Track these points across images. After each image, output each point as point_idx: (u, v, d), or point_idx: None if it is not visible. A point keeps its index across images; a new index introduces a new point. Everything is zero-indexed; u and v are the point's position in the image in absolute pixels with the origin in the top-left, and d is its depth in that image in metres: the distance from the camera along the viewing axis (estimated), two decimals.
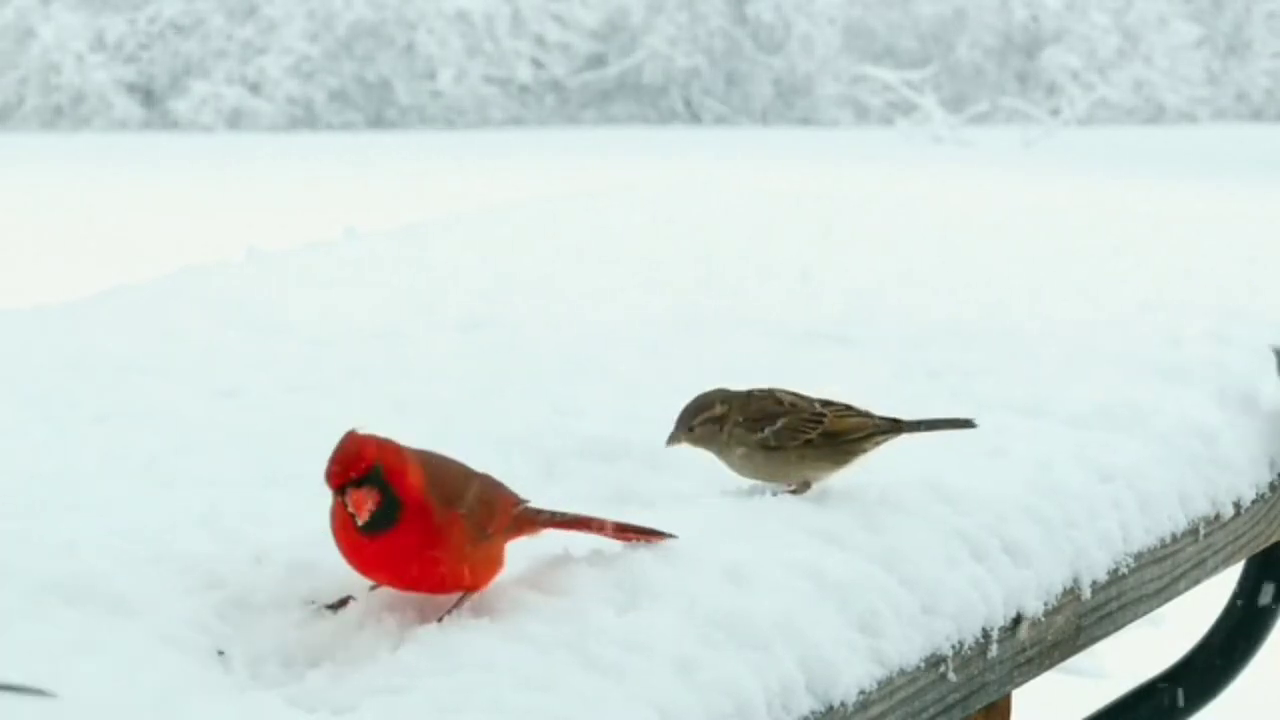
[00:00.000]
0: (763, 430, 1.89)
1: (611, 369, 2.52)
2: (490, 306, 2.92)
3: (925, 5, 30.15)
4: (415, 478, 1.59)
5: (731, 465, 1.93)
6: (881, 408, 1.98)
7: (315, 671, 1.53)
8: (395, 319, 2.84)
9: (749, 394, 1.93)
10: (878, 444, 1.91)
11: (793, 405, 1.91)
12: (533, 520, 1.69)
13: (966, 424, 1.92)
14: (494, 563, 1.64)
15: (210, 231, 13.18)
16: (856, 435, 1.89)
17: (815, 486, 1.92)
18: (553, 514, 1.70)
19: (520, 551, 1.70)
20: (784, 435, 1.89)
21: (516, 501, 1.69)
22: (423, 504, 1.59)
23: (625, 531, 1.73)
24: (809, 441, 1.88)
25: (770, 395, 1.92)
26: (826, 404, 1.92)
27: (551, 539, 1.72)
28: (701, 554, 1.74)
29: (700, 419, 1.92)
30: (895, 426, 1.92)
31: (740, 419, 1.90)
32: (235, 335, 2.70)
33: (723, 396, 1.93)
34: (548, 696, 1.49)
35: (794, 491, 1.91)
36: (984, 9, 30.27)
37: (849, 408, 1.92)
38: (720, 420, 1.92)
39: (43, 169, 20.43)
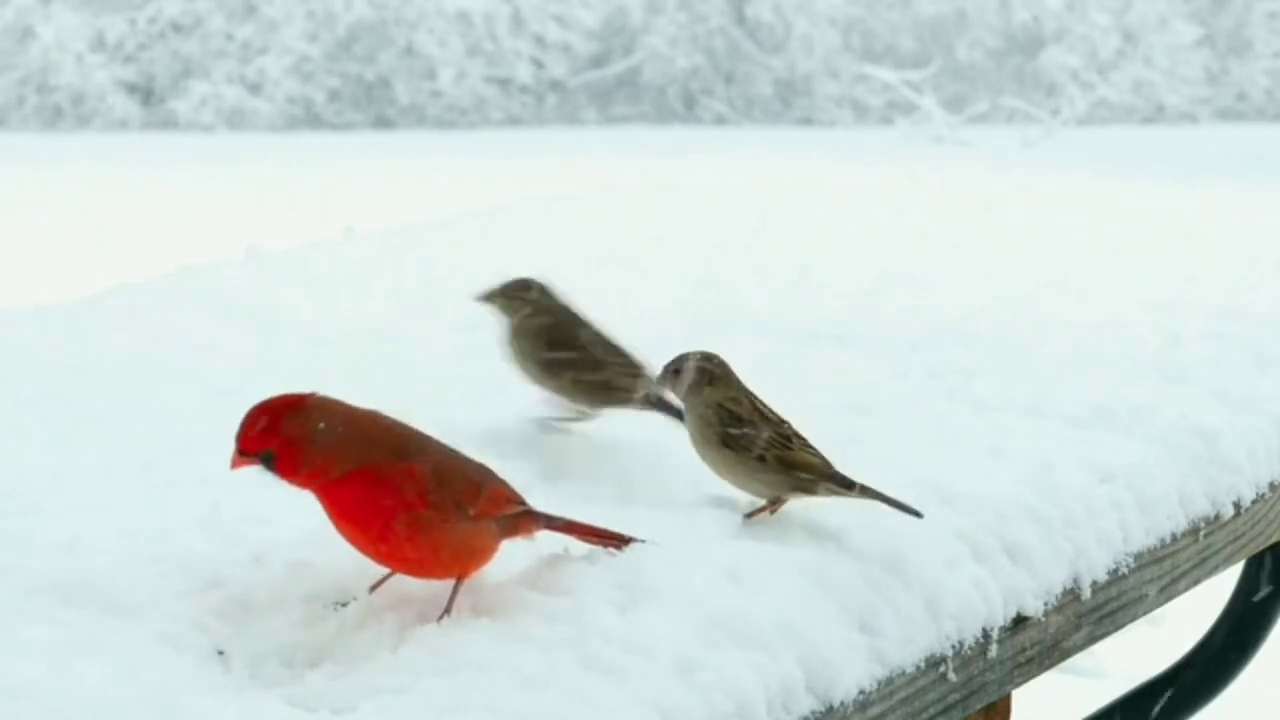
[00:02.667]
0: (728, 427, 1.88)
1: None
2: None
3: (925, 5, 30.15)
4: (303, 460, 1.61)
5: (690, 430, 1.91)
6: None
7: (315, 671, 1.53)
8: (395, 319, 2.84)
9: (751, 398, 1.91)
10: (829, 491, 1.85)
11: (765, 420, 1.89)
12: (534, 522, 1.69)
13: (914, 513, 1.84)
14: (480, 550, 1.64)
15: (210, 231, 13.18)
16: (808, 474, 1.85)
17: (782, 509, 1.88)
18: (549, 517, 1.70)
19: (520, 551, 1.70)
20: (739, 439, 1.87)
21: (515, 499, 1.68)
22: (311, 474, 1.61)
23: (608, 538, 1.73)
24: (761, 458, 1.86)
25: (755, 408, 1.89)
26: (801, 438, 1.88)
27: (551, 538, 1.72)
28: (701, 554, 1.74)
29: (693, 363, 1.90)
30: (848, 486, 1.85)
31: (721, 403, 1.88)
32: (235, 335, 2.70)
33: (722, 368, 1.91)
34: (547, 696, 1.49)
35: (766, 509, 1.88)
36: (984, 9, 30.26)
37: (814, 452, 1.87)
38: (708, 379, 1.90)
39: (43, 169, 20.42)
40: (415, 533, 1.60)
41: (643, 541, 1.73)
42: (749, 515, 1.87)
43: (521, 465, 2.00)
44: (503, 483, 1.68)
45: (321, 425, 1.61)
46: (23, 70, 27.66)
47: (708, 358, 1.92)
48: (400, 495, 1.59)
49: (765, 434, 1.87)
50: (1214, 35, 31.24)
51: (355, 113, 28.50)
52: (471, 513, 1.63)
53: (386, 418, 1.65)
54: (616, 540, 1.73)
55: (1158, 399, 2.42)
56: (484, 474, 1.67)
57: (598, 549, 1.72)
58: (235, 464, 1.62)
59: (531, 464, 2.02)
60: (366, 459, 1.60)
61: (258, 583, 1.66)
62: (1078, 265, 3.40)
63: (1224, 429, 2.38)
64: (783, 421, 1.89)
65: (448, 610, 1.61)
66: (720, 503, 1.90)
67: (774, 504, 1.87)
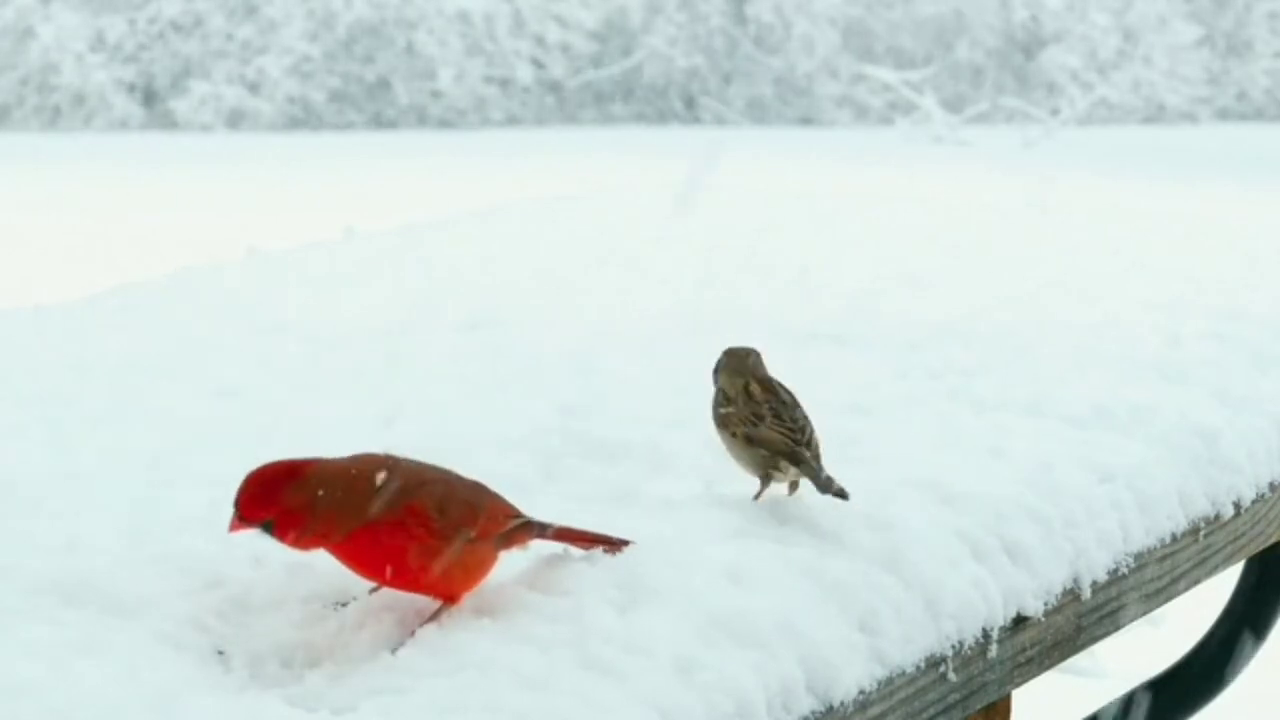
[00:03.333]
0: (718, 406, 1.92)
1: (611, 369, 2.52)
2: (490, 306, 2.92)
3: (925, 5, 30.14)
4: (305, 529, 1.59)
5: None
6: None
7: (315, 671, 1.53)
8: (395, 319, 2.84)
9: (748, 381, 1.93)
10: (790, 470, 1.86)
11: (748, 399, 1.91)
12: (528, 532, 1.68)
13: (842, 496, 1.83)
14: (481, 564, 1.64)
15: (210, 231, 13.19)
16: (767, 449, 1.86)
17: (765, 494, 1.89)
18: (543, 526, 1.70)
19: (520, 553, 1.69)
20: (724, 417, 1.90)
21: (511, 513, 1.68)
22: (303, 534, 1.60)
23: (602, 543, 1.72)
24: (734, 434, 1.89)
25: (746, 390, 1.92)
26: (779, 419, 1.89)
27: None
28: (702, 554, 1.74)
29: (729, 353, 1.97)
30: (795, 461, 1.85)
31: (722, 387, 1.93)
32: (235, 335, 2.70)
33: (738, 360, 1.95)
34: (548, 697, 1.49)
35: (761, 490, 1.90)
36: (984, 9, 30.26)
37: (792, 433, 1.87)
38: (720, 368, 1.95)
39: (43, 169, 20.42)
40: (426, 562, 1.60)
41: (635, 544, 1.73)
42: (755, 497, 1.89)
43: (521, 464, 2.00)
44: (497, 498, 1.68)
45: (321, 493, 1.59)
46: (23, 70, 27.66)
47: (729, 352, 1.96)
48: (408, 534, 1.59)
49: (742, 411, 1.88)
50: (1214, 35, 31.23)
51: (355, 113, 28.49)
52: (473, 534, 1.63)
53: (384, 461, 1.64)
54: (611, 544, 1.72)
55: (1158, 399, 2.42)
56: (479, 494, 1.66)
57: (597, 550, 1.72)
58: (233, 528, 1.60)
59: (531, 463, 2.02)
60: (369, 516, 1.59)
61: (257, 583, 1.66)
62: (1078, 265, 3.40)
63: (1224, 429, 2.38)
64: (764, 401, 1.90)
65: (431, 618, 1.60)
66: (720, 502, 1.90)
67: (763, 484, 1.89)
